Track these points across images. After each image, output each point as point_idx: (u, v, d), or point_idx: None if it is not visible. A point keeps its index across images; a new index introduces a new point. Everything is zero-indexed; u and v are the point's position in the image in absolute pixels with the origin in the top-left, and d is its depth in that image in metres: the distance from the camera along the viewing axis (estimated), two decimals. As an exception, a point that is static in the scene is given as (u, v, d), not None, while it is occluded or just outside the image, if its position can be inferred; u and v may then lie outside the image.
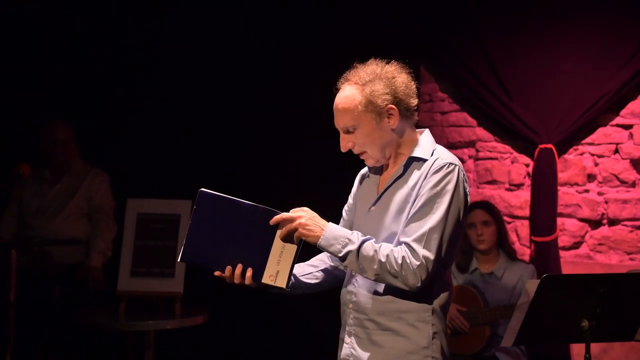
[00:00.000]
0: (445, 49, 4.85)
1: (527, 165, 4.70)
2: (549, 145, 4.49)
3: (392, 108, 2.45)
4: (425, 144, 2.50)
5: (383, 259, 2.34)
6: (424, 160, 2.46)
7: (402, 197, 2.45)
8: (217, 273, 2.44)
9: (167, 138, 5.26)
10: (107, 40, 5.32)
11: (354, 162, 2.73)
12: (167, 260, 4.14)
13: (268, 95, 5.21)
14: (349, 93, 2.47)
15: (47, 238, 4.53)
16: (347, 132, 2.48)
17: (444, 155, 2.46)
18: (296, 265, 2.47)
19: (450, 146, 4.94)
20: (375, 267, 2.35)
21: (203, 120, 5.27)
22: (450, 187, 2.38)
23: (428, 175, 2.41)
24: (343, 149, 2.51)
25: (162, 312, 4.11)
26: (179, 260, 2.46)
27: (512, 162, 4.79)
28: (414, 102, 2.50)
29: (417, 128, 2.57)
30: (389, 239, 2.43)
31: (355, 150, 2.51)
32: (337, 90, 2.52)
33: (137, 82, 5.29)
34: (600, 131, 4.47)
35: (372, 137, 2.46)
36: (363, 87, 2.45)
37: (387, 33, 4.71)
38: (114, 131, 5.25)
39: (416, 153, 2.48)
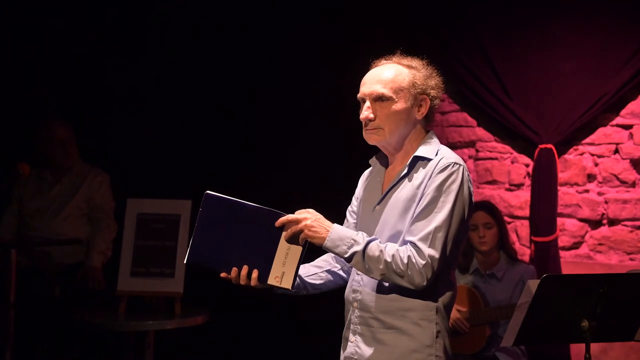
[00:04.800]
0: (445, 49, 4.85)
1: (527, 165, 4.70)
2: (549, 145, 4.49)
3: (426, 99, 2.52)
4: (430, 143, 2.53)
5: (389, 259, 2.35)
6: (429, 160, 2.48)
7: (407, 196, 2.46)
8: (223, 274, 2.45)
9: (167, 138, 5.26)
10: (108, 40, 5.32)
11: (358, 163, 2.73)
12: (167, 260, 4.15)
13: (270, 96, 5.21)
14: (397, 67, 2.53)
15: (47, 238, 4.53)
16: (378, 100, 2.49)
17: (449, 155, 2.48)
18: (301, 266, 2.47)
19: (450, 146, 4.90)
20: (381, 267, 2.36)
21: (204, 120, 5.27)
22: (455, 186, 2.40)
23: (433, 175, 2.43)
24: (363, 118, 2.51)
25: (162, 312, 4.11)
26: (185, 262, 2.47)
27: (512, 162, 4.79)
28: (438, 105, 2.57)
29: None
30: (393, 238, 2.44)
31: (373, 124, 2.50)
32: (374, 65, 2.57)
33: (137, 82, 5.29)
34: (600, 131, 4.47)
35: (399, 117, 2.49)
36: (409, 69, 2.52)
37: (386, 33, 4.71)
38: (114, 131, 5.25)
39: (421, 152, 2.50)
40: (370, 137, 2.53)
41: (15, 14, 5.13)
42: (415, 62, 2.56)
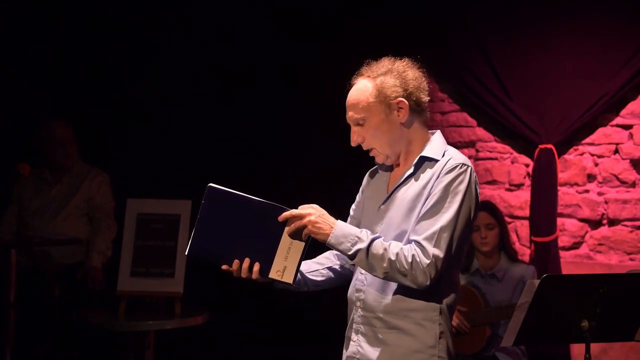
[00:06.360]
0: (445, 49, 4.85)
1: (527, 165, 4.70)
2: (549, 145, 4.49)
3: (401, 101, 2.47)
4: (436, 144, 2.52)
5: (393, 257, 2.34)
6: (436, 161, 2.47)
7: (413, 195, 2.45)
8: (224, 267, 2.44)
9: (167, 138, 5.26)
10: (108, 40, 5.32)
11: (362, 159, 2.72)
12: (167, 260, 4.15)
13: (270, 94, 5.21)
14: (361, 85, 2.51)
15: (47, 238, 4.52)
16: (358, 124, 2.49)
17: (457, 156, 2.47)
18: (302, 262, 2.46)
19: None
20: (384, 265, 2.35)
21: (204, 119, 5.27)
22: (463, 187, 2.40)
23: (440, 175, 2.42)
24: (353, 143, 2.53)
25: (162, 312, 4.11)
26: (186, 254, 2.46)
27: (512, 162, 4.79)
28: (425, 97, 2.53)
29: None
30: (398, 237, 2.44)
31: (365, 146, 2.52)
32: (351, 86, 2.55)
33: (137, 82, 5.29)
34: (600, 131, 4.48)
35: (381, 130, 2.47)
36: (374, 79, 2.48)
37: (386, 33, 4.72)
38: (113, 131, 5.25)
39: (427, 153, 2.49)
40: (375, 158, 2.56)
41: (16, 14, 5.13)
42: (383, 67, 2.51)
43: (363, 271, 2.49)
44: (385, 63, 2.53)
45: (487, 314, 4.07)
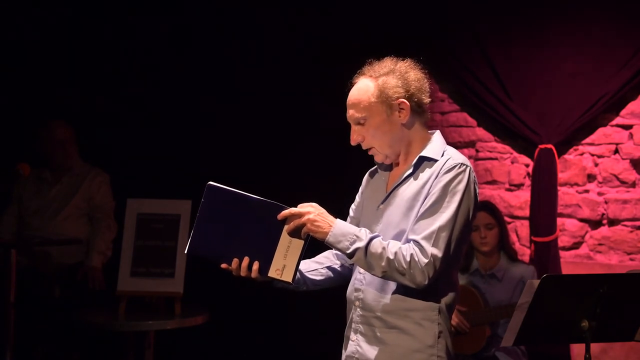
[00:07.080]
0: (445, 49, 4.85)
1: (527, 166, 4.70)
2: (549, 146, 4.49)
3: (403, 102, 2.47)
4: (436, 144, 2.52)
5: (391, 257, 2.35)
6: (435, 161, 2.47)
7: (412, 195, 2.45)
8: (223, 265, 2.44)
9: (167, 138, 5.26)
10: (107, 40, 5.32)
11: (361, 159, 2.73)
12: (167, 260, 4.15)
13: (270, 94, 5.21)
14: (362, 85, 2.51)
15: (47, 238, 4.52)
16: (358, 123, 2.50)
17: (456, 156, 2.48)
18: (302, 262, 2.47)
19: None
20: (383, 264, 2.35)
21: (204, 119, 5.27)
22: (461, 187, 2.40)
23: (439, 175, 2.42)
24: (353, 142, 2.53)
25: (162, 312, 4.11)
26: (185, 252, 2.46)
27: (512, 162, 4.79)
28: (426, 99, 2.54)
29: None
30: (397, 237, 2.44)
31: (364, 145, 2.52)
32: (352, 84, 2.55)
33: (137, 82, 5.29)
34: (600, 131, 4.48)
35: (382, 130, 2.48)
36: (377, 79, 2.49)
37: (386, 33, 4.72)
38: (113, 131, 5.25)
39: (427, 153, 2.49)
40: (375, 158, 2.56)
41: (16, 14, 5.13)
42: (385, 67, 2.51)
43: (362, 270, 2.49)
44: (388, 63, 2.53)
45: (487, 314, 4.07)
